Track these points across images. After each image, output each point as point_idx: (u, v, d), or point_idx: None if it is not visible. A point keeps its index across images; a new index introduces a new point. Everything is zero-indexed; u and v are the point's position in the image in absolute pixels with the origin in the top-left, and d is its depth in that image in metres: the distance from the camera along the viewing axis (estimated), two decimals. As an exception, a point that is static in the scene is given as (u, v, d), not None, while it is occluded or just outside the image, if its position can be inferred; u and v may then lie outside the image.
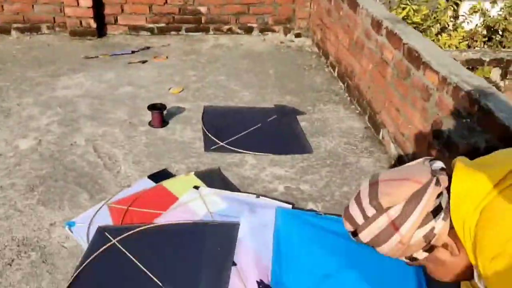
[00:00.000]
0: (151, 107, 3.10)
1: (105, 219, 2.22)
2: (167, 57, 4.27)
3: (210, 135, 2.97)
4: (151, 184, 2.49)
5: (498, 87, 4.62)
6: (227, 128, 3.07)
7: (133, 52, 4.35)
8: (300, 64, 4.24)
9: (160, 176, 2.57)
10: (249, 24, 4.84)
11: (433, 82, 2.30)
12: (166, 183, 2.49)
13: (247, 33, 4.87)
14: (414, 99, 2.52)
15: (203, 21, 4.77)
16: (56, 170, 2.59)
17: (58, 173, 2.56)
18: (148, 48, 4.47)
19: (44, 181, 2.49)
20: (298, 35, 4.84)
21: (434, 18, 5.91)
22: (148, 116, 3.19)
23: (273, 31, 4.89)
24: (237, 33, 4.85)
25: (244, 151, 2.81)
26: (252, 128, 3.07)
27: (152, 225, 2.17)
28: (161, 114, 3.08)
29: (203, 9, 4.73)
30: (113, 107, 3.33)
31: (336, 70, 3.93)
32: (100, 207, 2.29)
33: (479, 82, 2.09)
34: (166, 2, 4.68)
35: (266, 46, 4.64)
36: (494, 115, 1.82)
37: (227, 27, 4.82)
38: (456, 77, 2.14)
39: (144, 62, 4.14)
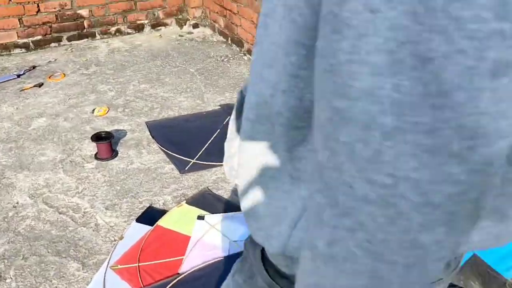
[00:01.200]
0: (96, 138, 2.63)
1: (119, 285, 1.84)
2: (64, 74, 3.67)
3: (175, 154, 2.65)
4: (145, 228, 2.13)
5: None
6: (187, 141, 2.77)
7: (18, 76, 3.65)
8: (215, 56, 4.01)
9: (149, 215, 2.21)
10: (138, 22, 4.41)
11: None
12: (163, 222, 2.15)
13: (138, 31, 4.43)
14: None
15: (86, 26, 4.22)
16: (16, 244, 2.06)
17: (22, 247, 2.04)
18: (34, 67, 3.79)
19: (11, 262, 1.96)
20: (195, 26, 4.55)
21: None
22: (86, 148, 2.73)
23: (166, 25, 4.53)
24: (128, 33, 4.39)
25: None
26: (214, 135, 2.82)
27: (182, 275, 1.87)
28: (110, 144, 2.64)
29: (84, 12, 4.16)
30: (38, 148, 2.76)
31: (259, 56, 3.77)
32: (105, 274, 1.89)
33: None
34: (39, 10, 4.00)
35: (166, 42, 4.28)
36: None
37: (114, 28, 4.33)
38: None
39: (40, 85, 3.50)
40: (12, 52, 4.03)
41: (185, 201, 2.28)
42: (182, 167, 2.54)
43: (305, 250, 0.44)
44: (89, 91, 3.41)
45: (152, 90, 3.41)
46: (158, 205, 2.28)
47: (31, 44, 4.08)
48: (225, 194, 2.35)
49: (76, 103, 3.25)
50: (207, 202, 2.28)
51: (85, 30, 4.21)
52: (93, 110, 3.14)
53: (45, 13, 4.03)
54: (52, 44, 4.15)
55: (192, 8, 4.46)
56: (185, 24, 4.51)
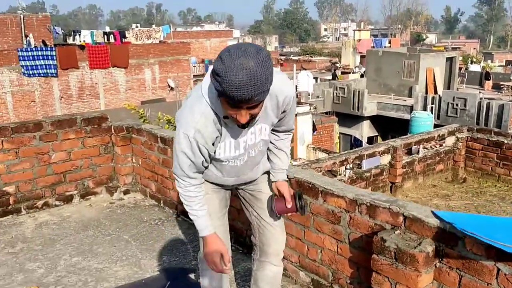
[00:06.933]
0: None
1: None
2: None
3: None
4: None
5: None
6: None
7: None
8: (149, 221, 3.71)
9: None
10: (67, 193, 4.01)
11: (339, 206, 2.42)
12: None
13: (67, 202, 4.01)
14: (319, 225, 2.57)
15: (11, 202, 3.77)
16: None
17: None
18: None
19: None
20: (126, 192, 4.21)
21: None
22: None
23: (96, 193, 4.17)
24: (56, 206, 3.95)
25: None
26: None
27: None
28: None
29: (10, 189, 3.74)
30: None
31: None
32: None
33: (380, 195, 2.31)
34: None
35: (97, 211, 3.92)
36: (424, 221, 2.01)
37: (42, 202, 3.89)
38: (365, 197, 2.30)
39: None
40: None
41: None
42: None
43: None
44: (16, 271, 3.01)
45: (85, 263, 3.10)
46: None
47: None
48: None
49: (1, 286, 2.88)
50: None
51: (10, 207, 3.76)
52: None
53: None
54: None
55: (122, 175, 4.19)
56: (115, 191, 4.18)
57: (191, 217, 1.93)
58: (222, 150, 1.86)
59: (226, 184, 2.03)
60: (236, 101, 1.54)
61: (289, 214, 2.02)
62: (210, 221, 1.94)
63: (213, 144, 1.81)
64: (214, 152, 1.85)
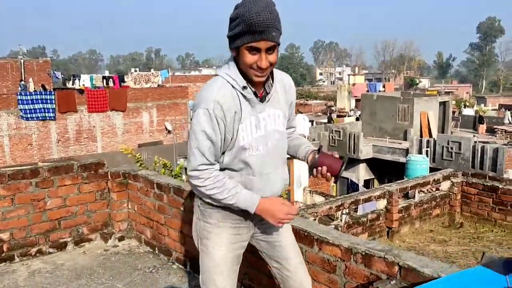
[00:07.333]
0: None
1: None
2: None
3: None
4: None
5: None
6: None
7: None
8: (143, 268, 3.63)
9: None
10: (61, 240, 3.92)
11: (335, 255, 2.42)
12: None
13: (60, 250, 3.92)
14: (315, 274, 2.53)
15: (5, 250, 3.68)
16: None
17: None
18: None
19: None
20: (121, 239, 4.14)
21: None
22: None
23: (90, 240, 4.07)
24: (49, 253, 3.86)
25: None
26: None
27: None
28: None
29: (4, 236, 3.67)
30: None
31: (189, 264, 3.53)
32: None
33: (375, 244, 2.33)
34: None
35: (91, 258, 3.82)
36: (419, 271, 2.01)
37: (35, 249, 3.82)
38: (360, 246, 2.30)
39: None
40: None
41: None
42: None
43: None
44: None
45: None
46: None
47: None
48: None
49: None
50: None
51: (3, 254, 3.68)
52: None
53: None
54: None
55: (117, 221, 4.14)
56: (110, 238, 4.12)
57: (231, 202, 1.91)
58: (245, 133, 1.90)
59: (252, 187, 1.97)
60: (257, 29, 1.72)
61: (326, 172, 1.99)
62: (249, 191, 1.95)
63: (232, 127, 1.87)
64: (236, 138, 1.89)
